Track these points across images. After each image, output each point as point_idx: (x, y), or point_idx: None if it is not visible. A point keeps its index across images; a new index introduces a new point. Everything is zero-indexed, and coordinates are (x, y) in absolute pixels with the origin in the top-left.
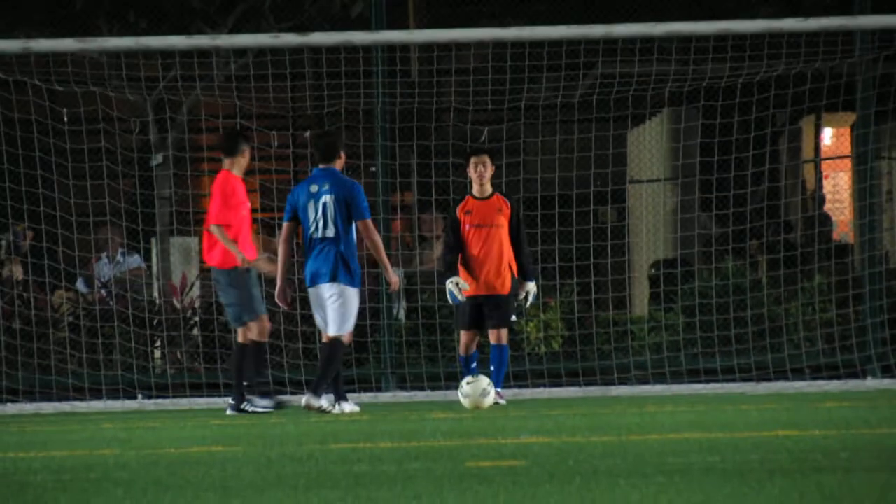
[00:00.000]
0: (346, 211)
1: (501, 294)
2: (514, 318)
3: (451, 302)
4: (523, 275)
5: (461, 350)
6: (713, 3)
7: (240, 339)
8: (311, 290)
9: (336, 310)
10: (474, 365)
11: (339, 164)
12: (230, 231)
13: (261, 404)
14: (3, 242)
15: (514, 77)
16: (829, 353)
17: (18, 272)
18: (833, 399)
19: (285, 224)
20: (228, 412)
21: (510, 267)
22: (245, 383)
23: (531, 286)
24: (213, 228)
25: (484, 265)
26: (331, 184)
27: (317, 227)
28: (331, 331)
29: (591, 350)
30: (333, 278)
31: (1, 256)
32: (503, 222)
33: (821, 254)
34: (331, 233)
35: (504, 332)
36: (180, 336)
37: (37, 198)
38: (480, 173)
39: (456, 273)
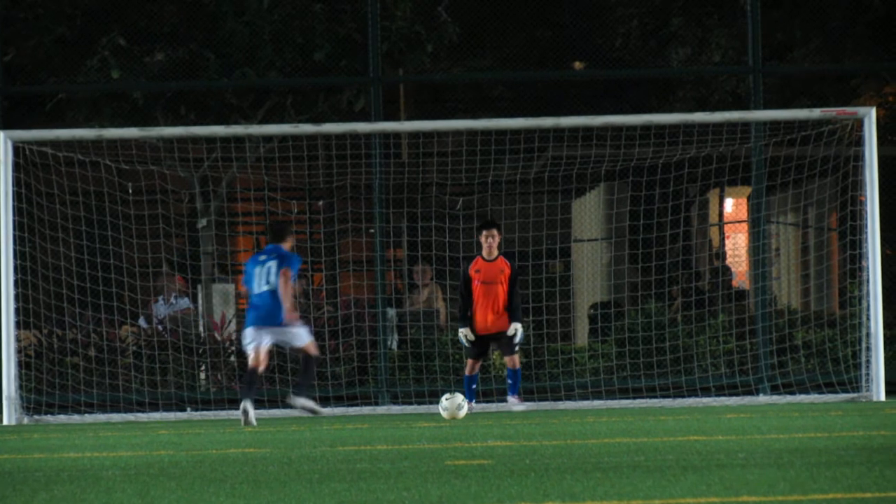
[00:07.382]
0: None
1: (505, 331)
2: (516, 348)
3: (461, 344)
4: (511, 317)
5: (467, 371)
6: (639, 100)
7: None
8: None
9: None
10: (474, 386)
11: (286, 245)
12: None
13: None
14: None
15: (482, 158)
16: (730, 376)
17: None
18: (732, 411)
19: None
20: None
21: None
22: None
23: (517, 325)
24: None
25: (489, 311)
26: (276, 256)
27: (259, 285)
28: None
29: (544, 373)
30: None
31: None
32: (504, 280)
33: (723, 297)
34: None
35: (515, 358)
36: (220, 362)
37: (108, 253)
38: (490, 244)
39: (467, 325)
